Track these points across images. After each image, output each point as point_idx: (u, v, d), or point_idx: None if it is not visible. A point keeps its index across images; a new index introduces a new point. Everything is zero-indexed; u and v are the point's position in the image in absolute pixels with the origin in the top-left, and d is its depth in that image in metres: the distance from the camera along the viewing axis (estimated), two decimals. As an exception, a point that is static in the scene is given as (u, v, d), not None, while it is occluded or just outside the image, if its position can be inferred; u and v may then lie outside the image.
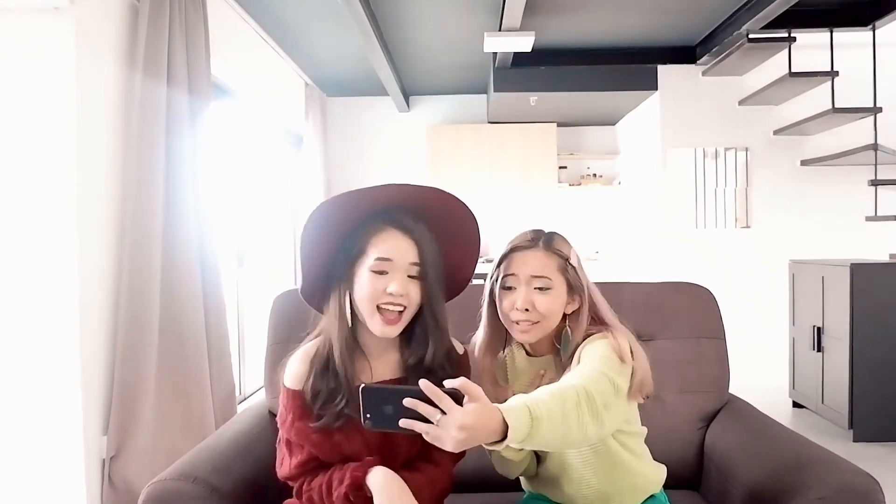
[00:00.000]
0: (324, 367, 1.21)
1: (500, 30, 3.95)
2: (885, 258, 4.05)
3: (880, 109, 4.06)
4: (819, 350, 3.76)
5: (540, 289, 1.29)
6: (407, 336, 1.25)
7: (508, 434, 0.96)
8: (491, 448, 1.00)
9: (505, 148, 6.06)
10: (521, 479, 1.51)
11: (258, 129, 4.62)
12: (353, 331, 1.24)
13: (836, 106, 4.14)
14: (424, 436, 0.96)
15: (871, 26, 4.00)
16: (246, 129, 4.34)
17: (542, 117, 5.87)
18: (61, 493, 2.33)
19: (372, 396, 0.99)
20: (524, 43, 4.07)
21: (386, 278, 1.18)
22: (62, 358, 2.29)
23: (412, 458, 1.27)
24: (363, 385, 1.01)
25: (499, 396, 1.27)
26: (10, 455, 2.31)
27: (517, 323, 1.30)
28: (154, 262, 2.49)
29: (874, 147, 4.01)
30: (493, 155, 6.05)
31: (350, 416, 1.18)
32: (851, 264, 3.46)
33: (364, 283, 1.19)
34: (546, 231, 1.36)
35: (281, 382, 1.28)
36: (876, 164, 4.12)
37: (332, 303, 1.23)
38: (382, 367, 1.27)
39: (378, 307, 1.19)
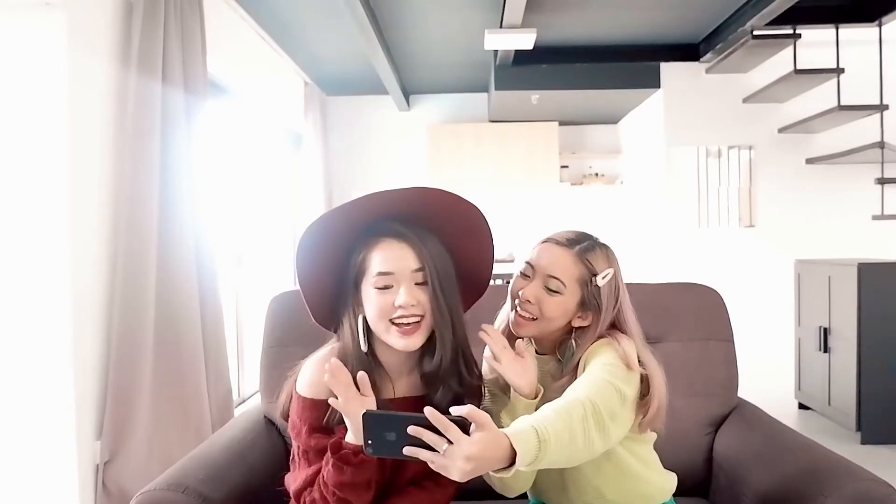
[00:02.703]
0: None
1: (501, 27, 3.90)
2: (892, 257, 4.00)
3: (887, 107, 4.01)
4: (826, 351, 3.71)
5: (550, 289, 1.24)
6: (423, 348, 1.18)
7: (517, 460, 0.93)
8: (499, 475, 0.96)
9: (506, 147, 6.01)
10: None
11: (257, 129, 4.58)
12: (373, 350, 1.18)
13: (842, 103, 4.09)
14: (430, 464, 0.92)
15: (877, 22, 3.95)
16: (244, 129, 4.30)
17: (544, 116, 5.82)
18: (54, 499, 2.28)
19: (374, 422, 0.95)
20: (525, 40, 4.02)
21: (391, 292, 1.12)
22: (54, 360, 2.24)
23: (420, 475, 1.21)
24: (365, 411, 0.96)
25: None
26: (2, 460, 2.27)
27: (516, 311, 1.27)
28: (149, 264, 2.45)
29: (881, 145, 3.96)
30: (494, 154, 6.00)
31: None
32: (859, 264, 3.42)
33: (372, 302, 1.13)
34: (593, 239, 1.30)
35: (293, 389, 1.20)
36: (882, 163, 4.07)
37: (346, 327, 1.17)
38: (404, 384, 1.21)
39: (392, 321, 1.12)
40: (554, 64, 4.83)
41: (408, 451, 0.92)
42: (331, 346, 1.21)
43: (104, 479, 2.38)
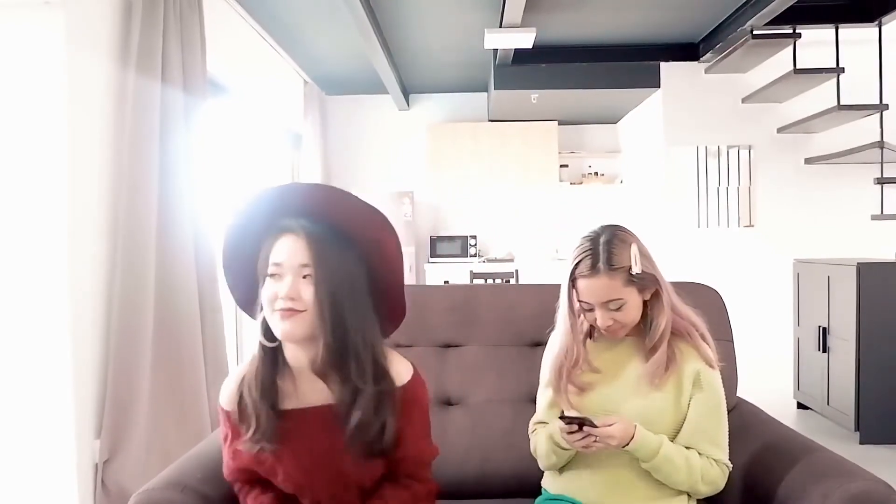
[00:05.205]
0: (248, 390, 1.18)
1: (500, 26, 3.90)
2: (891, 257, 4.00)
3: (886, 106, 4.01)
4: (825, 351, 3.71)
5: (614, 309, 1.35)
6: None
7: (632, 440, 1.30)
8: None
9: (506, 146, 6.01)
10: (546, 477, 1.50)
11: (256, 128, 4.57)
12: (280, 351, 1.19)
13: (842, 103, 4.09)
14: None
15: (876, 22, 3.96)
16: (243, 128, 4.29)
17: (544, 115, 5.82)
18: (53, 498, 2.28)
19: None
20: (525, 40, 4.02)
21: (278, 281, 1.13)
22: (53, 359, 2.24)
23: (372, 486, 1.21)
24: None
25: (583, 380, 1.40)
26: (2, 459, 2.26)
27: (606, 328, 1.39)
28: (148, 263, 2.45)
29: (880, 145, 3.96)
30: (493, 153, 6.00)
31: (274, 445, 1.15)
32: (858, 263, 3.42)
33: (264, 290, 1.14)
34: (602, 240, 1.36)
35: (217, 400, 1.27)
36: (882, 162, 4.07)
37: (259, 319, 1.18)
38: (311, 391, 1.19)
39: (276, 309, 1.12)
40: (553, 63, 4.83)
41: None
42: (249, 360, 1.22)
43: (103, 477, 2.38)
